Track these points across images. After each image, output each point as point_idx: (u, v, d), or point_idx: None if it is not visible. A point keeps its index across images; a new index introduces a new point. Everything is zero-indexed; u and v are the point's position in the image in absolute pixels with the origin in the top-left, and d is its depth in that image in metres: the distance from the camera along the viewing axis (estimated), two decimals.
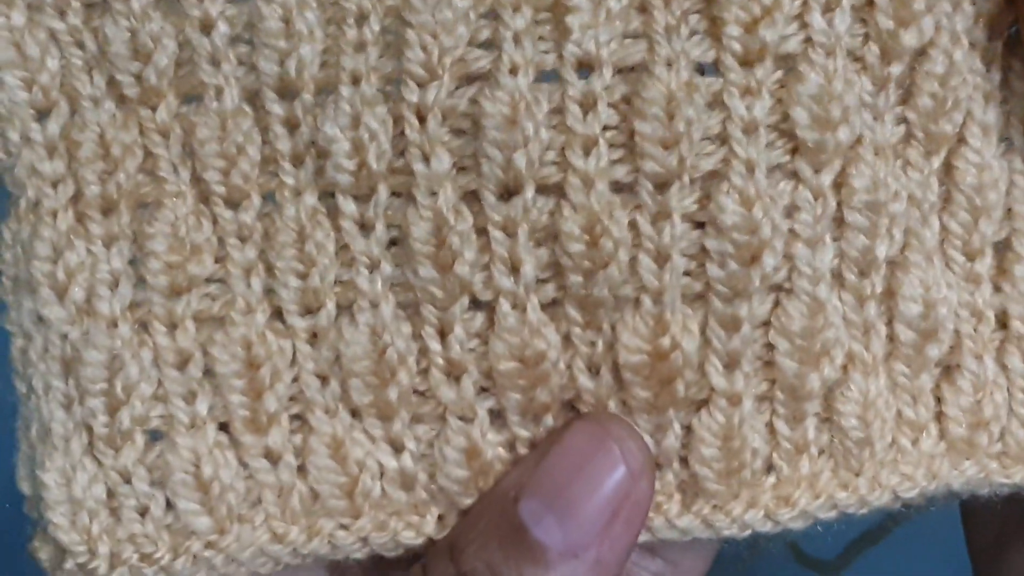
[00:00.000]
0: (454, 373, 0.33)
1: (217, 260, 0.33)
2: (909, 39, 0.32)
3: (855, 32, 0.32)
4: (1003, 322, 0.36)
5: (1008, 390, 0.36)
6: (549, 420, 0.34)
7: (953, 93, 0.33)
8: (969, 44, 0.33)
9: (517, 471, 0.33)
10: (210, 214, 0.33)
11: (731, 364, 0.33)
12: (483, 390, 0.34)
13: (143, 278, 0.33)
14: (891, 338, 0.35)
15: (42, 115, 0.33)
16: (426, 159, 0.32)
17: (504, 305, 0.33)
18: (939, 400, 0.35)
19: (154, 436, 0.34)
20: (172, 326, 0.33)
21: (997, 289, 0.36)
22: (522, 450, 0.34)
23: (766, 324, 0.33)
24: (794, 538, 0.44)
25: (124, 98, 0.33)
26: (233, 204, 0.33)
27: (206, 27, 0.32)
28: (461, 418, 0.33)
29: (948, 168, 0.35)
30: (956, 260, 0.35)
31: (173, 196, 0.33)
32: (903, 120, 0.34)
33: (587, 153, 0.32)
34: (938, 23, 0.33)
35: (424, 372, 0.33)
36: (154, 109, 0.33)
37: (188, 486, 0.33)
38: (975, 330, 0.35)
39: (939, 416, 0.36)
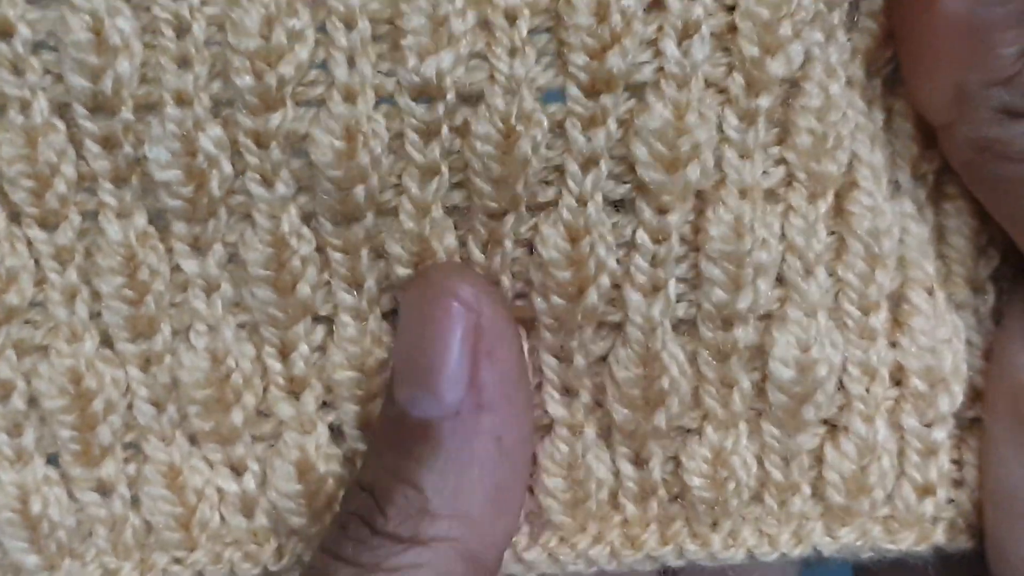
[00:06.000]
0: (295, 390, 0.32)
1: (36, 283, 0.31)
2: (776, 68, 0.29)
3: (718, 61, 0.30)
4: (897, 379, 0.33)
5: (901, 451, 0.33)
6: None
7: (834, 129, 0.30)
8: (847, 80, 0.30)
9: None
10: (23, 236, 0.30)
11: (568, 393, 0.32)
12: (324, 404, 0.32)
13: None
14: (762, 395, 0.32)
15: None
16: (268, 184, 0.30)
17: (344, 316, 0.31)
18: (820, 460, 0.33)
19: None
20: None
21: (892, 344, 0.33)
22: (360, 463, 0.33)
23: (604, 359, 0.32)
24: None
25: None
26: (49, 226, 0.30)
27: (5, 32, 0.28)
28: (298, 432, 0.32)
29: (841, 213, 0.32)
30: (852, 315, 0.32)
31: None
32: (782, 161, 0.31)
33: (425, 181, 0.30)
34: (809, 53, 0.30)
35: (263, 391, 0.32)
36: None
37: (15, 524, 0.31)
38: (867, 390, 0.32)
39: (818, 478, 0.33)
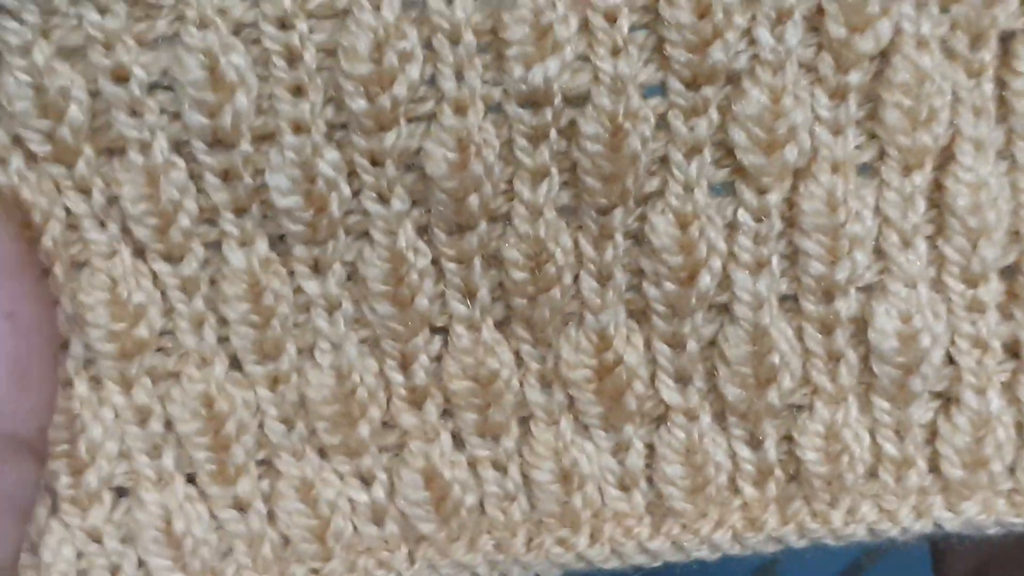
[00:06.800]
0: (416, 400, 0.33)
1: (165, 313, 0.32)
2: (864, 44, 0.30)
3: (808, 42, 0.30)
4: (1014, 351, 0.33)
5: (1021, 424, 0.33)
6: (508, 441, 0.33)
7: (926, 103, 0.30)
8: (947, 53, 0.31)
9: None
10: (148, 271, 0.31)
11: (682, 379, 0.33)
12: (446, 413, 0.33)
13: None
14: (870, 369, 0.33)
15: None
16: (384, 200, 0.31)
17: (458, 327, 0.32)
18: (935, 434, 0.33)
19: (120, 492, 0.33)
20: (127, 386, 0.32)
21: (1007, 317, 0.32)
22: (483, 470, 0.34)
23: (715, 343, 0.33)
24: None
25: (33, 156, 0.30)
26: (173, 259, 0.31)
27: (121, 77, 0.29)
28: (422, 440, 0.33)
29: (939, 188, 0.32)
30: (954, 289, 0.32)
31: (105, 256, 0.31)
32: (875, 135, 0.31)
33: (535, 185, 0.31)
34: (899, 27, 0.30)
35: (386, 402, 0.33)
36: (70, 166, 0.30)
37: (160, 543, 0.33)
38: (978, 362, 0.32)
39: (934, 452, 0.33)
